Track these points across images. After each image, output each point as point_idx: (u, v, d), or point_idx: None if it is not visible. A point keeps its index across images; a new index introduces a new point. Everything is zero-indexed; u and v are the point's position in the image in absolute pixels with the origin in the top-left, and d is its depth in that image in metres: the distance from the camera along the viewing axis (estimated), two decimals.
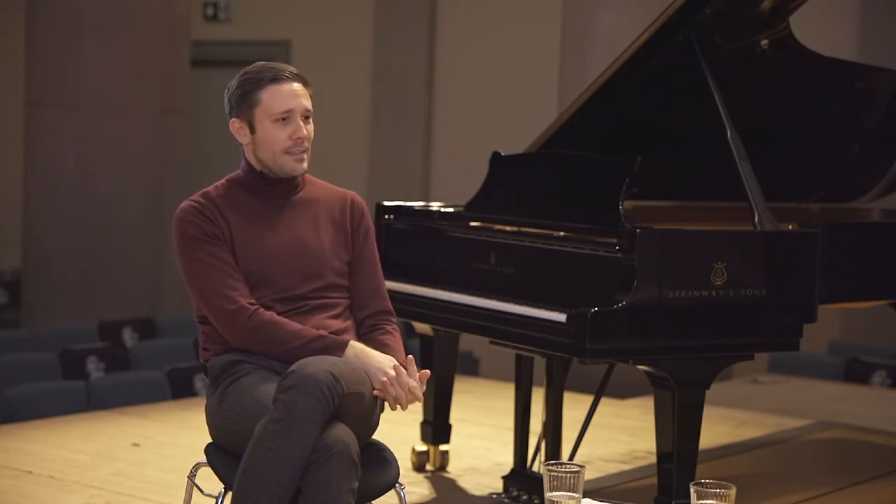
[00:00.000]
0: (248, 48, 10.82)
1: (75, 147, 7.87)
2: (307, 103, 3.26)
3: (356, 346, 3.16)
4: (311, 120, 3.28)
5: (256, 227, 3.25)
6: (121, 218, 7.91)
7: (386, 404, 3.15)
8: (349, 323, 3.31)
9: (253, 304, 3.17)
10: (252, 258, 3.21)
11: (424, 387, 3.15)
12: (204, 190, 3.30)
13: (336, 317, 3.27)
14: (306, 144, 3.25)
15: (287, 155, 3.24)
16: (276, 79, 3.23)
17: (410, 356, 3.17)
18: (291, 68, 3.28)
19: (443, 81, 10.08)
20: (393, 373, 3.10)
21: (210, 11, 11.00)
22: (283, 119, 3.22)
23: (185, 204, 3.26)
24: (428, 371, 3.19)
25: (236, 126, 3.27)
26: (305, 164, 3.28)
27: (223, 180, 3.33)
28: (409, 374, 3.12)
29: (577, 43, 7.01)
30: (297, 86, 3.25)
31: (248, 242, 3.22)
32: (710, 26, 4.27)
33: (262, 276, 3.21)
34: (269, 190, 3.29)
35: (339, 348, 3.14)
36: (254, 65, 3.29)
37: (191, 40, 8.44)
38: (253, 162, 3.29)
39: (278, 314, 3.19)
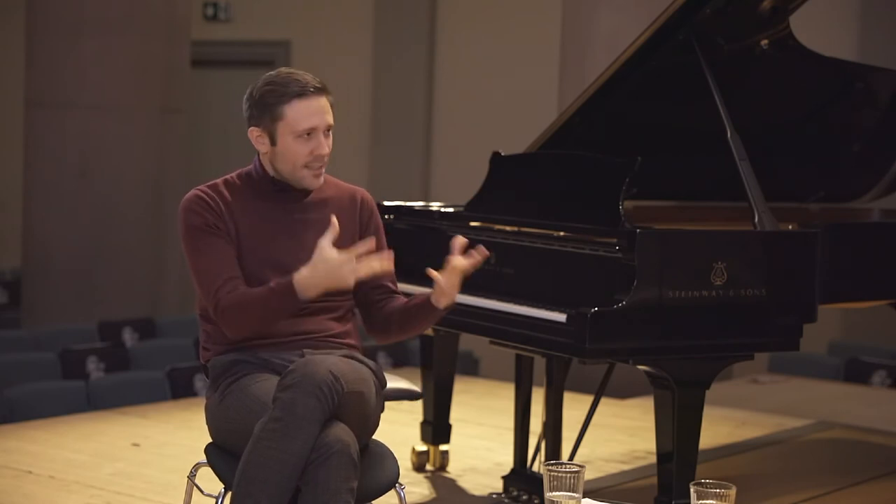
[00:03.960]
0: (248, 48, 10.84)
1: (75, 147, 7.87)
2: (329, 119, 3.23)
3: (299, 275, 3.09)
4: (331, 133, 3.26)
5: (264, 229, 3.23)
6: (121, 218, 7.91)
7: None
8: (350, 326, 3.30)
9: (231, 283, 3.13)
10: (256, 260, 3.20)
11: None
12: (213, 182, 3.27)
13: (338, 319, 3.27)
14: (326, 160, 3.25)
15: (306, 169, 3.22)
16: (302, 94, 3.18)
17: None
18: (315, 80, 3.22)
19: (443, 81, 10.08)
20: (350, 259, 3.06)
21: (210, 11, 11.00)
22: (307, 135, 3.20)
23: (191, 193, 3.23)
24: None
25: (255, 135, 3.23)
26: (322, 179, 3.27)
27: (234, 175, 3.30)
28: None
29: (577, 43, 7.01)
30: (322, 101, 3.21)
31: (253, 244, 3.21)
32: (710, 26, 4.27)
33: (265, 278, 3.17)
34: (281, 196, 3.28)
35: (290, 292, 3.08)
36: (277, 73, 3.23)
37: (191, 40, 8.43)
38: (268, 168, 3.27)
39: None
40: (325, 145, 3.22)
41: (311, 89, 3.19)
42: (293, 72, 3.24)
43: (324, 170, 3.26)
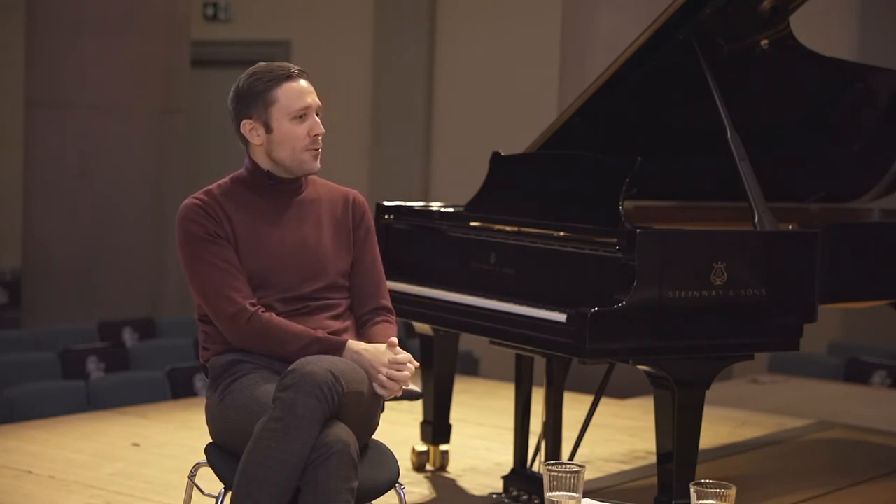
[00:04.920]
0: (248, 48, 10.83)
1: (75, 147, 7.87)
2: (318, 100, 3.27)
3: (352, 347, 3.16)
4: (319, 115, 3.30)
5: (261, 226, 3.24)
6: (121, 218, 7.91)
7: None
8: (349, 323, 3.31)
9: (254, 306, 3.17)
10: (255, 258, 3.21)
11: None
12: (207, 188, 3.29)
13: (336, 317, 3.27)
14: (321, 141, 3.27)
15: (307, 152, 3.24)
16: (289, 76, 3.23)
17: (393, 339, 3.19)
18: (296, 66, 3.28)
19: (443, 81, 10.08)
20: (386, 372, 3.11)
21: (210, 11, 11.00)
22: (301, 116, 3.22)
23: (188, 201, 3.25)
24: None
25: (248, 127, 3.25)
26: (319, 164, 3.28)
27: (227, 178, 3.32)
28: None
29: (577, 43, 7.01)
30: (306, 83, 3.26)
31: (252, 242, 3.22)
32: (710, 26, 4.27)
33: (265, 276, 3.21)
34: (275, 189, 3.28)
35: (336, 350, 3.14)
36: (257, 66, 3.29)
37: (191, 40, 8.44)
38: (262, 162, 3.27)
39: (280, 314, 3.20)
40: (320, 125, 3.25)
41: (296, 72, 3.25)
42: (270, 62, 3.30)
43: (320, 153, 3.28)
